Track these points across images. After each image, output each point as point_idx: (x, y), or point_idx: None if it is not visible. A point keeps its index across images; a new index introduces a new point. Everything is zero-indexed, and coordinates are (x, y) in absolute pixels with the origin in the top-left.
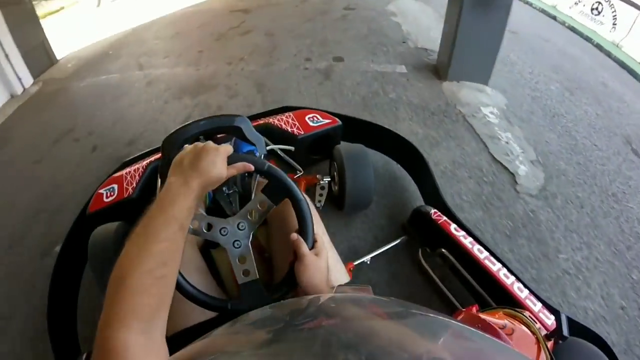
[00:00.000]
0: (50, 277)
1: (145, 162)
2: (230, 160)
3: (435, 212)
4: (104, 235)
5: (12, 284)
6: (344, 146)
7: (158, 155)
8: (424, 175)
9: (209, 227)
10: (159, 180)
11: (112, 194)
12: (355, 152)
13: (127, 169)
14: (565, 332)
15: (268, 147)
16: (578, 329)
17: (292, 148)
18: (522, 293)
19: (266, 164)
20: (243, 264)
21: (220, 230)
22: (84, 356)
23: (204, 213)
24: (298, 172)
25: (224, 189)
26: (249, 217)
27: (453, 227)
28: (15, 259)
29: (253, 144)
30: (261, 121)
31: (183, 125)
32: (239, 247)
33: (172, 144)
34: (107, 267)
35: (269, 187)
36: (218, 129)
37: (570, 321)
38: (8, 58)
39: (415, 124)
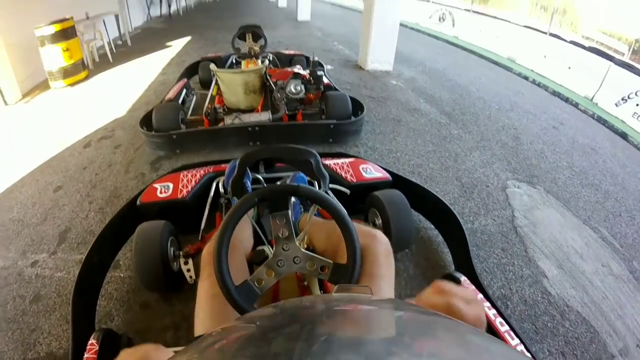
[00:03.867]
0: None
1: (202, 171)
2: (303, 191)
3: (465, 280)
4: (151, 232)
5: None
6: (380, 192)
7: (217, 167)
8: (458, 243)
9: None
10: (213, 189)
11: (166, 190)
12: (393, 196)
13: (185, 172)
14: None
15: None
16: None
17: (348, 191)
18: None
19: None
20: (268, 277)
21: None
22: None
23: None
24: None
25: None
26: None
27: (480, 296)
28: None
29: (318, 180)
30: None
31: (263, 147)
32: (281, 266)
33: (247, 162)
34: (149, 260)
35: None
36: (291, 159)
37: None
38: None
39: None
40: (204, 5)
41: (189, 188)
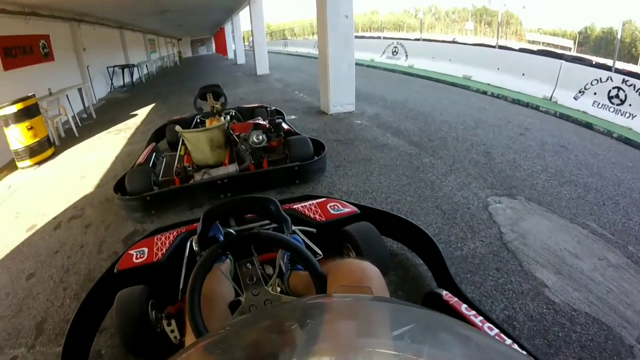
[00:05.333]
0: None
1: (175, 232)
2: (263, 236)
3: (447, 294)
4: (130, 298)
5: None
6: (350, 227)
7: (188, 227)
8: (435, 260)
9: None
10: (187, 249)
11: (142, 255)
12: (362, 227)
13: (158, 235)
14: None
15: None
16: None
17: (314, 231)
18: None
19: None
20: None
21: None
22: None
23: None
24: (318, 255)
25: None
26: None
27: (464, 307)
28: None
29: (280, 224)
30: (286, 207)
31: (222, 202)
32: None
33: (210, 218)
34: (131, 327)
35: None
36: (251, 208)
37: None
38: None
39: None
40: (166, 70)
41: (164, 250)
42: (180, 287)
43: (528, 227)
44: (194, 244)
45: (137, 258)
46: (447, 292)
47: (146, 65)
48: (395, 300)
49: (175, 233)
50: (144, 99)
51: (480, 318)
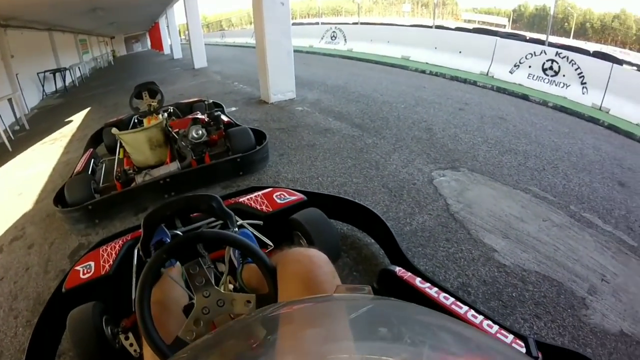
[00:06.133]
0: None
1: (121, 241)
2: (206, 235)
3: (400, 270)
4: (82, 317)
5: None
6: (297, 214)
7: (134, 234)
8: (385, 238)
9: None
10: (135, 257)
11: (89, 270)
12: (310, 213)
13: (104, 247)
14: (535, 353)
15: (238, 223)
16: (549, 349)
17: (261, 223)
18: (492, 329)
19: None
20: (197, 327)
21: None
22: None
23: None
24: (269, 246)
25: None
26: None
27: (418, 280)
28: None
29: (225, 220)
30: (232, 201)
31: (160, 205)
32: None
33: (151, 223)
34: (88, 347)
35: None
36: (192, 208)
37: (538, 343)
38: None
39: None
40: (100, 71)
41: (111, 262)
42: (133, 297)
43: (473, 197)
44: (141, 252)
45: (84, 274)
46: (400, 268)
47: (79, 68)
48: (377, 297)
49: (121, 242)
50: (79, 103)
51: (435, 289)
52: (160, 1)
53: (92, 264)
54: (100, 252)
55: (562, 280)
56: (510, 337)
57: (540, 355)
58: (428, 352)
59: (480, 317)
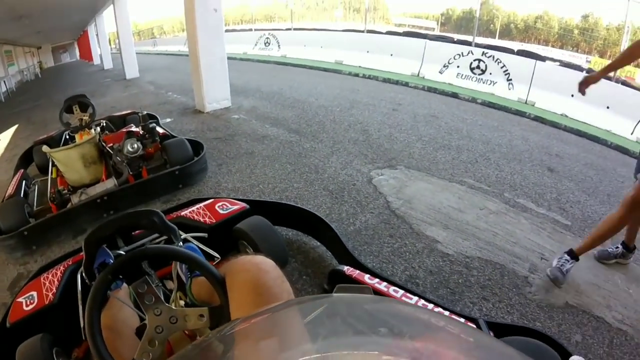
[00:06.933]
0: None
1: (62, 267)
2: (150, 252)
3: (348, 269)
4: (30, 351)
5: None
6: (241, 223)
7: (75, 258)
8: (331, 240)
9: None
10: (79, 282)
11: (32, 301)
12: (253, 222)
13: (45, 274)
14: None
15: (182, 237)
16: (500, 327)
17: (205, 235)
18: None
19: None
20: (152, 347)
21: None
22: None
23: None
24: (216, 258)
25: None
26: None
27: (367, 277)
28: None
29: (168, 235)
30: (174, 215)
31: (100, 225)
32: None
33: (92, 244)
34: None
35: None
36: (134, 225)
37: (489, 324)
38: None
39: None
40: (26, 84)
41: (54, 290)
42: (82, 325)
43: (412, 193)
44: (84, 276)
45: (27, 305)
46: (348, 267)
47: (4, 82)
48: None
49: (62, 268)
50: (5, 121)
51: (385, 284)
52: (89, 8)
53: (35, 293)
54: (42, 280)
55: (504, 262)
56: (462, 320)
57: (491, 334)
58: (387, 339)
59: (431, 306)
